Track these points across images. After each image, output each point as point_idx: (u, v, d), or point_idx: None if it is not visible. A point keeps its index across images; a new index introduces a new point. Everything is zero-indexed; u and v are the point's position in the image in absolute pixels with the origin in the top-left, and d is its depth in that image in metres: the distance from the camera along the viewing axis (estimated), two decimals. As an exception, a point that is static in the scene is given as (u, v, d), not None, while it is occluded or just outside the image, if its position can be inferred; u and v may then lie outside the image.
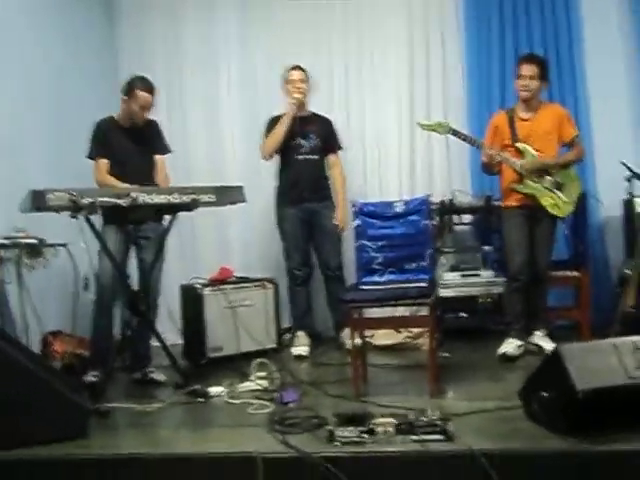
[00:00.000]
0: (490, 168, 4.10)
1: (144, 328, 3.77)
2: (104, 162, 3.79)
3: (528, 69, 3.96)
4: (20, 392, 2.66)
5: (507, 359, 3.85)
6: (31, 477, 2.55)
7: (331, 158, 4.68)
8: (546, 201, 3.95)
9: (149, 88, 3.78)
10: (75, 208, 3.15)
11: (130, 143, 3.85)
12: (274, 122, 4.57)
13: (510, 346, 3.89)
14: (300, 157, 4.54)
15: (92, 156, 3.83)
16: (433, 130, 4.10)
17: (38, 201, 3.09)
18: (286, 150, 4.55)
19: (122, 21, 5.45)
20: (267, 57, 5.34)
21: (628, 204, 4.35)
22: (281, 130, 4.46)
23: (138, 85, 3.76)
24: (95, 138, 3.84)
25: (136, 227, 3.82)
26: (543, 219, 4.00)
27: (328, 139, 4.65)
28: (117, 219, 3.68)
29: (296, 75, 4.53)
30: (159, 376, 3.83)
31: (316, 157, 4.58)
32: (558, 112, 4.09)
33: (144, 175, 3.83)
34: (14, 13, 4.14)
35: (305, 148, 4.55)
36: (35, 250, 3.84)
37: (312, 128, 4.58)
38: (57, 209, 3.18)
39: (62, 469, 2.54)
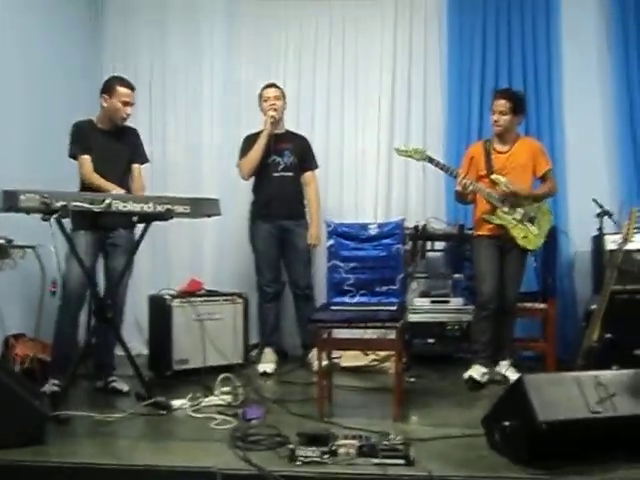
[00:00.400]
0: (463, 197, 4.14)
1: (109, 336, 3.73)
2: (87, 158, 3.75)
3: (499, 104, 4.02)
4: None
5: (473, 383, 3.88)
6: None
7: (307, 175, 4.70)
8: (517, 233, 4.00)
9: (129, 85, 3.82)
10: (47, 210, 3.10)
11: (107, 146, 3.82)
12: (249, 141, 4.58)
13: (476, 371, 3.92)
14: (275, 174, 4.55)
15: (74, 154, 3.79)
16: (409, 156, 4.13)
17: (10, 201, 3.03)
18: (262, 167, 4.55)
19: (108, 27, 5.44)
20: (251, 71, 5.38)
21: (598, 241, 4.42)
22: (259, 149, 4.47)
23: (118, 82, 3.80)
24: (75, 137, 3.80)
25: (106, 234, 3.80)
26: (513, 250, 4.04)
27: (304, 157, 4.67)
28: (87, 224, 3.65)
29: (271, 92, 4.56)
30: (121, 385, 3.78)
31: (291, 174, 4.59)
32: (533, 146, 4.15)
33: (119, 180, 3.79)
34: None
35: (280, 166, 4.56)
36: (2, 250, 3.78)
37: (287, 145, 4.60)
38: (29, 210, 3.12)
39: (17, 475, 2.49)
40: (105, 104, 3.78)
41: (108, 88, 3.78)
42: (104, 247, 3.82)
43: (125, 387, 3.77)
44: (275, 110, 4.50)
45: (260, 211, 4.61)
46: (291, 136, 4.70)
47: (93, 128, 3.84)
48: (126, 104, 3.78)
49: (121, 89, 3.76)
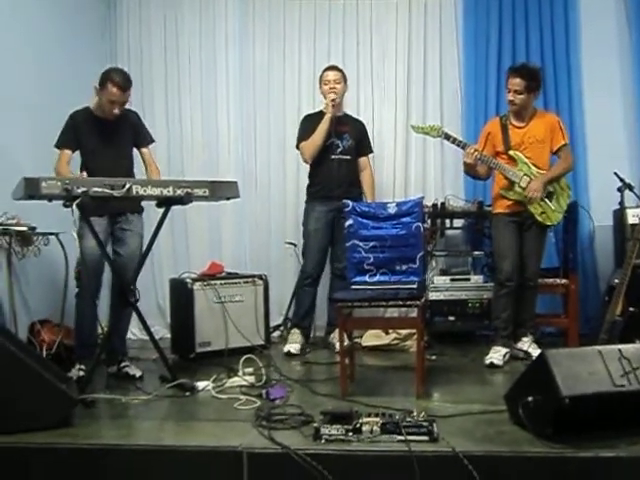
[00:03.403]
0: (471, 169, 4.09)
1: (122, 322, 3.79)
2: (67, 153, 3.70)
3: (514, 83, 3.94)
4: (6, 379, 2.65)
5: (494, 368, 3.87)
6: (14, 464, 2.54)
7: (362, 161, 4.70)
8: (535, 209, 3.97)
9: (121, 85, 3.62)
10: (68, 197, 3.12)
11: (101, 135, 3.74)
12: (308, 121, 4.59)
13: (496, 355, 3.91)
14: (334, 157, 4.54)
15: (58, 145, 3.72)
16: (426, 133, 4.09)
17: (31, 189, 3.05)
18: (321, 150, 4.53)
19: (122, 11, 5.45)
20: (265, 51, 5.37)
21: (619, 214, 4.38)
22: (321, 133, 4.47)
23: (111, 78, 3.61)
24: (65, 129, 3.74)
25: (114, 219, 3.78)
26: (532, 227, 4.01)
27: (361, 141, 4.68)
28: (95, 211, 3.58)
29: (331, 76, 4.55)
30: (134, 371, 3.80)
31: (348, 157, 4.59)
32: (551, 121, 4.09)
33: (115, 167, 3.73)
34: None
35: (339, 149, 4.56)
36: (26, 238, 3.83)
37: (346, 129, 4.60)
38: (50, 197, 3.15)
39: (47, 457, 2.53)
40: (97, 96, 3.69)
41: (102, 81, 3.64)
42: (113, 233, 3.81)
43: (138, 372, 3.79)
44: (335, 93, 4.49)
45: (317, 193, 4.62)
46: (350, 120, 4.71)
47: (89, 117, 3.75)
48: (112, 103, 3.64)
49: (111, 88, 3.60)
